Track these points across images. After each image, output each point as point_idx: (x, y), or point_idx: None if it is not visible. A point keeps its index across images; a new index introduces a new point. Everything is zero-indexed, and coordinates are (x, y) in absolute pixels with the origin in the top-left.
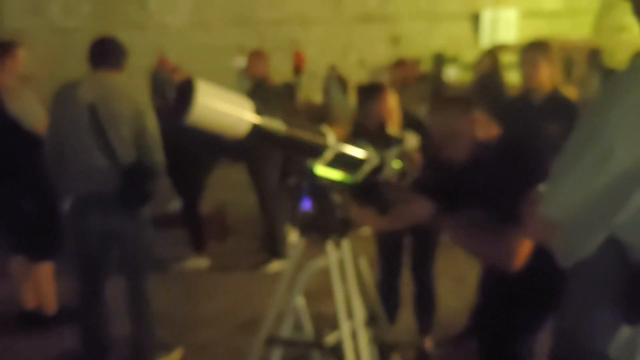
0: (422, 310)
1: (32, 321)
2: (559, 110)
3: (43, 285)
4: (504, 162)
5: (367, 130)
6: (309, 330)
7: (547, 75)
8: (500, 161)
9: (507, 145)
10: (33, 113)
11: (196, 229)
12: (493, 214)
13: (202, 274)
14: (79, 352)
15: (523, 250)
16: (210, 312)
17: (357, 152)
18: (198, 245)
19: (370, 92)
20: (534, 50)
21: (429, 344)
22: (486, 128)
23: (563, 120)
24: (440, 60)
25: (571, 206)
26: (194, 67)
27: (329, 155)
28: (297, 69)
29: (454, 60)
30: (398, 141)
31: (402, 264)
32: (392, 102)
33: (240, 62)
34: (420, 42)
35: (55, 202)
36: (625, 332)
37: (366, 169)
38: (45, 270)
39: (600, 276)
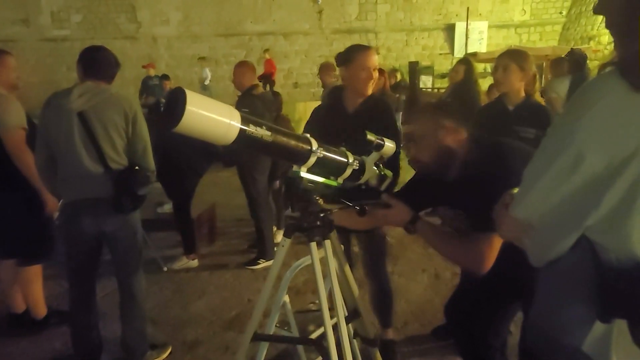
0: (380, 307)
1: (21, 324)
2: (533, 116)
3: (31, 288)
4: (471, 172)
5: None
6: (294, 326)
7: (518, 81)
8: (467, 171)
9: (479, 157)
10: (15, 121)
11: (187, 231)
12: (464, 214)
13: (192, 274)
14: (68, 354)
15: (491, 254)
16: (199, 311)
17: (339, 157)
18: (189, 246)
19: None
20: (506, 57)
21: (391, 335)
22: (455, 135)
23: (537, 126)
24: (415, 69)
25: (543, 208)
26: (183, 76)
27: (312, 160)
28: (266, 77)
29: (428, 68)
30: (378, 146)
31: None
32: None
33: (206, 74)
34: (398, 52)
35: (43, 206)
36: (599, 327)
37: (347, 173)
38: (33, 274)
39: (573, 274)
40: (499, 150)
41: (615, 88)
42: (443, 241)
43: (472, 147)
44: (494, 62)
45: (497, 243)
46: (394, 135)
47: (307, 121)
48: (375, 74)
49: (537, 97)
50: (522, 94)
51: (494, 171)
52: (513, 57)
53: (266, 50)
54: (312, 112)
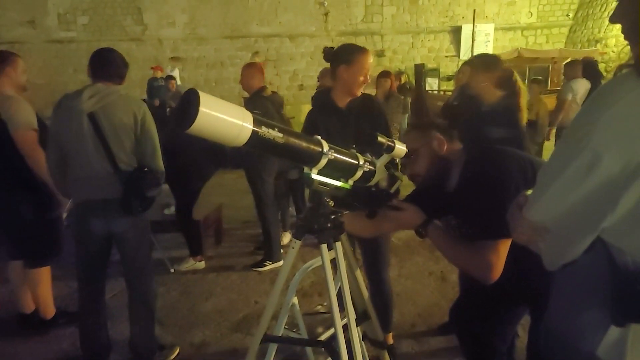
0: (379, 311)
1: (30, 324)
2: (502, 116)
3: (40, 289)
4: (468, 180)
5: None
6: (303, 327)
7: (481, 83)
8: (465, 179)
9: (471, 164)
10: (26, 122)
11: (191, 233)
12: (464, 222)
13: (199, 275)
14: (76, 355)
15: (499, 263)
16: (206, 312)
17: (349, 159)
18: (194, 248)
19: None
20: (466, 64)
21: (390, 340)
22: (449, 145)
23: (505, 126)
24: (421, 71)
25: (558, 210)
26: (189, 78)
27: (323, 162)
28: None
29: (434, 71)
30: (389, 149)
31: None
32: None
33: (175, 73)
34: (404, 55)
35: (53, 208)
36: (613, 332)
37: (358, 175)
38: (42, 274)
39: (588, 278)
40: (493, 155)
41: (633, 89)
42: (453, 248)
43: (468, 155)
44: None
45: (503, 250)
46: (386, 129)
47: (303, 126)
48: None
49: (523, 98)
50: (495, 94)
51: (490, 177)
52: (472, 63)
53: (255, 53)
54: (306, 117)
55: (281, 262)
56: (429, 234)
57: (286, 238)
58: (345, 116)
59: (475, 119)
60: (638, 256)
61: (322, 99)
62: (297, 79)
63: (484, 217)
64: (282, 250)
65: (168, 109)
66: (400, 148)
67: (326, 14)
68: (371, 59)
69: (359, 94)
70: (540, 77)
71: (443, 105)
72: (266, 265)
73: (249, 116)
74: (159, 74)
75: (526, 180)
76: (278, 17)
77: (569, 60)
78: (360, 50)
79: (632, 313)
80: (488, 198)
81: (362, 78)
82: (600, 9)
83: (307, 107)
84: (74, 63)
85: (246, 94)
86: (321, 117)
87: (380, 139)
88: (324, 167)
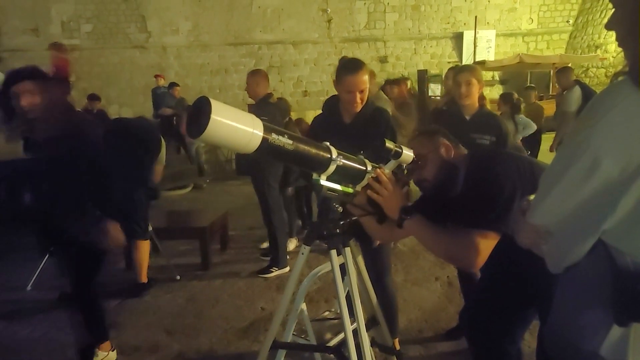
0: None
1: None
2: (487, 123)
3: (141, 257)
4: (467, 182)
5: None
6: (311, 333)
7: (477, 93)
8: (465, 181)
9: (469, 167)
10: None
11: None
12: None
13: (205, 282)
14: None
15: (485, 250)
16: (213, 319)
17: (357, 165)
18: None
19: None
20: (467, 73)
21: (397, 345)
22: (455, 150)
23: (490, 132)
24: (424, 77)
25: (560, 214)
26: (193, 85)
27: (331, 168)
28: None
29: (437, 77)
30: (396, 154)
31: None
32: None
33: (161, 82)
34: (406, 61)
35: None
36: (616, 331)
37: (366, 180)
38: (144, 246)
39: (590, 279)
40: (493, 157)
41: (629, 95)
42: (436, 235)
43: (471, 159)
44: (502, 69)
45: (491, 240)
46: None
47: (309, 129)
48: (364, 95)
49: (487, 105)
50: (476, 103)
51: (487, 175)
52: (472, 72)
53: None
54: (313, 121)
55: (287, 269)
56: (408, 225)
57: (292, 244)
58: (349, 131)
59: (463, 126)
60: (637, 257)
61: (330, 108)
62: (300, 85)
63: (475, 207)
64: (288, 257)
65: (175, 117)
66: (408, 154)
67: (329, 21)
68: (359, 80)
69: (356, 110)
70: (534, 85)
71: (432, 110)
72: (272, 272)
73: (259, 123)
74: (162, 82)
75: (523, 181)
76: (281, 24)
77: (564, 66)
78: (347, 71)
79: (634, 312)
80: (481, 191)
81: (347, 98)
82: (600, 15)
83: (312, 113)
84: (77, 71)
85: (250, 101)
86: (326, 127)
87: (387, 144)
88: (332, 173)
